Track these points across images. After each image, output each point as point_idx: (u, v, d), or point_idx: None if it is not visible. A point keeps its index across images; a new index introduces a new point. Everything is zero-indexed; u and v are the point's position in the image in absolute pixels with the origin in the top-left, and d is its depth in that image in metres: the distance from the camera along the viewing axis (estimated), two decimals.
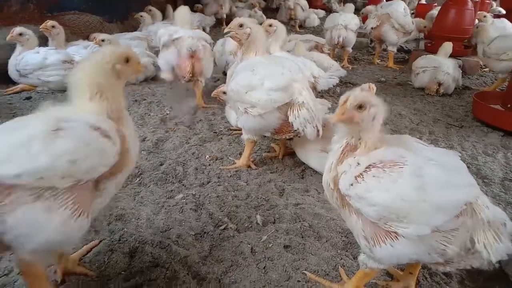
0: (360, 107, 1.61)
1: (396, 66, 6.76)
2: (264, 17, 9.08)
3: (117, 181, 1.65)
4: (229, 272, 1.96)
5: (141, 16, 7.06)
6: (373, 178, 1.52)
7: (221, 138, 3.59)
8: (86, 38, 5.66)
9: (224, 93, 3.32)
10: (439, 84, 5.19)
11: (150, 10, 7.30)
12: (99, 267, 1.95)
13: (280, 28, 3.93)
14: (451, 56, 5.50)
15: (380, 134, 1.67)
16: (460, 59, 6.11)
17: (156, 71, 5.09)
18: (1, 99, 4.21)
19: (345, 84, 5.33)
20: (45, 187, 1.34)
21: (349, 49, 6.44)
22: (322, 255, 2.10)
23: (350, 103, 1.61)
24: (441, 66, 5.12)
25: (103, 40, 4.59)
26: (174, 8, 8.38)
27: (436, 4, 9.20)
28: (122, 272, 1.92)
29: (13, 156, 1.32)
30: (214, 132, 3.70)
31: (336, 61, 5.28)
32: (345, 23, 6.12)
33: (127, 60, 1.70)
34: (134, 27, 7.43)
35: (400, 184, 1.46)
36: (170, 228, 2.27)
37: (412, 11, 9.95)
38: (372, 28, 6.57)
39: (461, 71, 5.45)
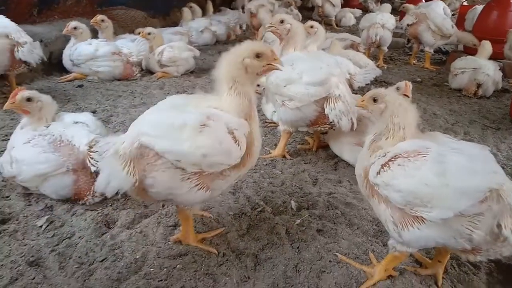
0: (374, 100, 1.86)
1: (433, 67, 6.66)
2: (300, 15, 9.15)
3: (240, 173, 1.89)
4: (265, 249, 2.12)
5: (182, 11, 7.35)
6: (398, 167, 1.67)
7: None
8: (132, 32, 5.98)
9: (258, 85, 3.45)
10: (478, 86, 5.09)
11: (191, 7, 7.58)
12: (149, 237, 2.17)
13: (321, 30, 4.00)
14: (492, 58, 5.38)
15: (415, 131, 1.81)
16: (500, 62, 5.96)
17: (196, 65, 5.41)
18: (56, 86, 4.57)
19: (380, 83, 5.34)
20: None
21: (385, 49, 6.41)
22: (353, 240, 2.22)
23: (369, 94, 1.89)
24: (481, 68, 5.01)
25: (149, 33, 4.86)
26: (214, 5, 8.65)
27: (480, 3, 8.90)
28: (169, 242, 2.12)
29: (167, 135, 1.67)
30: None
31: (372, 60, 5.30)
32: (383, 22, 6.11)
33: (258, 56, 1.77)
34: (175, 23, 7.74)
35: (423, 170, 1.59)
36: (211, 207, 2.46)
37: (453, 13, 9.70)
38: (408, 25, 6.47)
39: (501, 74, 5.33)
